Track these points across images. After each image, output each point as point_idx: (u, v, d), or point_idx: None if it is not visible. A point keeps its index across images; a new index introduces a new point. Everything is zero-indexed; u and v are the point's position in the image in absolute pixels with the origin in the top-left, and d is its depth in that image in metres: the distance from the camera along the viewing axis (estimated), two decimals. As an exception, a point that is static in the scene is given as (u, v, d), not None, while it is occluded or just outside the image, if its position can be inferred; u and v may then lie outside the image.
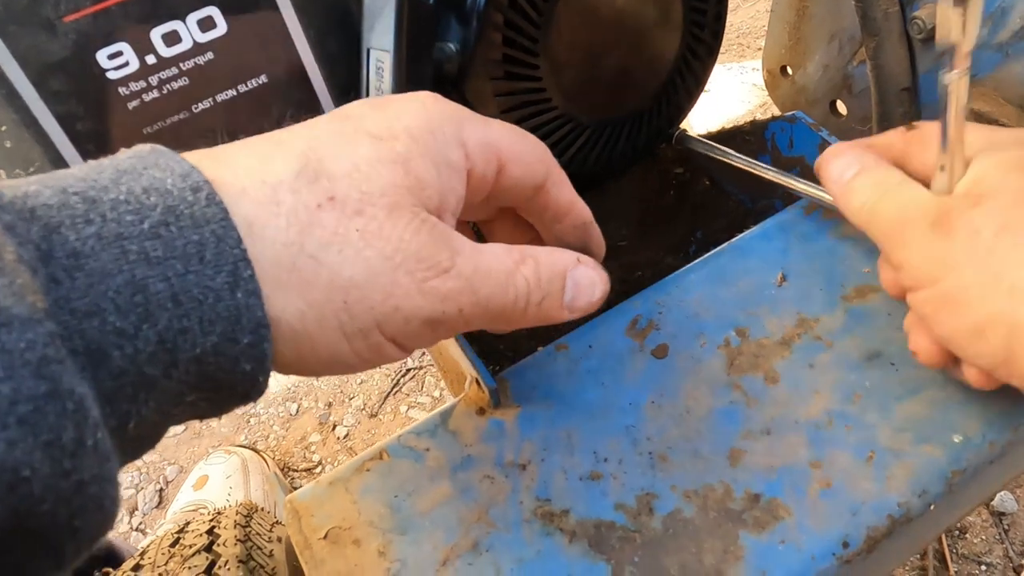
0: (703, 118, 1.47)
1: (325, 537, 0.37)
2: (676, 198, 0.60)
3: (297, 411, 1.14)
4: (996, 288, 0.28)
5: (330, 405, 1.14)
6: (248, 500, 0.80)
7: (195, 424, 1.16)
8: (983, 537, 0.85)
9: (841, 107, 0.64)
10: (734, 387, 0.39)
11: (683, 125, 0.56)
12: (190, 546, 0.44)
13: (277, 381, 1.18)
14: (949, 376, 0.37)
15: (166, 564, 0.45)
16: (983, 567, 0.84)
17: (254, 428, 1.13)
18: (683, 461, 0.37)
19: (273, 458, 1.08)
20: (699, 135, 0.54)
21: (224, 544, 0.44)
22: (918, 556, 0.83)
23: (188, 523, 0.51)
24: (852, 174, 0.35)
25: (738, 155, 0.47)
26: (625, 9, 0.44)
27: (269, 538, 0.50)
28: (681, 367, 0.40)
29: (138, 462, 1.13)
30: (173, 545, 0.46)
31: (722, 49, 1.88)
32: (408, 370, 1.15)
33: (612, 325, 0.42)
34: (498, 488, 0.37)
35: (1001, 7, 0.45)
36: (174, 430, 1.19)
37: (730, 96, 1.49)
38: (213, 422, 1.15)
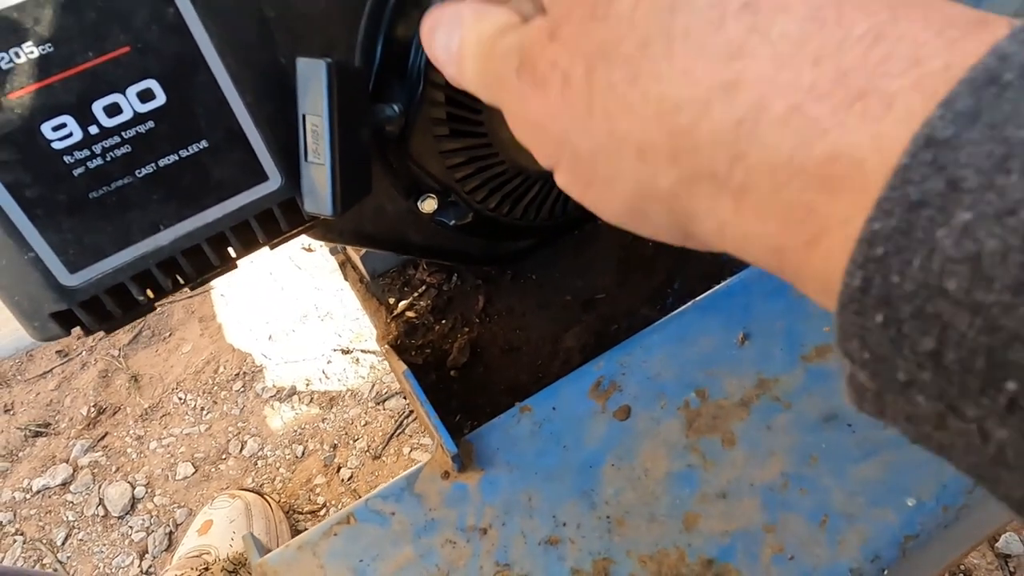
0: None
1: (292, 602, 0.38)
2: (654, 246, 0.61)
3: (303, 453, 1.16)
4: (623, 155, 0.20)
5: (335, 447, 1.15)
6: (237, 553, 0.81)
7: (204, 467, 1.17)
8: (990, 580, 0.83)
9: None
10: (692, 450, 0.39)
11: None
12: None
13: (284, 423, 1.20)
14: None
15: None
16: (992, 611, 0.82)
17: (261, 470, 1.15)
18: (639, 525, 0.37)
19: (278, 501, 1.09)
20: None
21: (205, 603, 0.45)
22: (923, 600, 0.81)
23: (176, 579, 0.52)
24: (455, 42, 0.25)
25: None
26: None
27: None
28: (641, 429, 0.41)
29: (148, 504, 1.15)
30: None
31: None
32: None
33: (575, 386, 0.43)
34: (459, 553, 0.38)
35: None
36: (183, 472, 1.21)
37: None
38: (221, 464, 1.17)
